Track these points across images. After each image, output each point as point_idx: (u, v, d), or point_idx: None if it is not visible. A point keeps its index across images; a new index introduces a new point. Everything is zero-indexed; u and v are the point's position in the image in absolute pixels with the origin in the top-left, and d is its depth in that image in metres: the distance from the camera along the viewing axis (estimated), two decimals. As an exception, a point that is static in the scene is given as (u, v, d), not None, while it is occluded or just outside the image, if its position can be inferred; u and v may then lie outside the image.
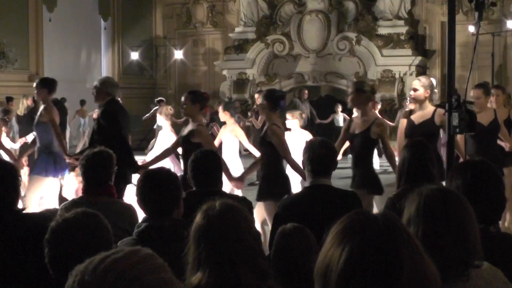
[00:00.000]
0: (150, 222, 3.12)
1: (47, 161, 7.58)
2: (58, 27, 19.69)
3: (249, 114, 16.59)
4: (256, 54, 21.02)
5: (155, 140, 11.17)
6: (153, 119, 14.96)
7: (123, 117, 6.98)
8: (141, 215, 3.42)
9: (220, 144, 8.79)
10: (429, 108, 6.25)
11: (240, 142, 9.10)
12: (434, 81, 6.59)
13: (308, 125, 16.61)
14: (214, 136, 9.13)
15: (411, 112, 6.45)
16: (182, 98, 6.54)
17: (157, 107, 15.26)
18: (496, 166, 2.89)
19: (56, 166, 7.59)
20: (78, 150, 14.30)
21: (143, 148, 16.47)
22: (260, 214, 6.20)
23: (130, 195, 7.65)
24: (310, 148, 4.09)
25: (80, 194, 4.56)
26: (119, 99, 7.86)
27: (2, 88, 16.66)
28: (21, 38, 18.44)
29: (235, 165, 8.41)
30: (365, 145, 6.06)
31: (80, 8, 20.69)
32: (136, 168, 6.58)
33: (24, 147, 9.61)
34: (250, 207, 4.08)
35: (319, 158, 3.99)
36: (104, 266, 1.24)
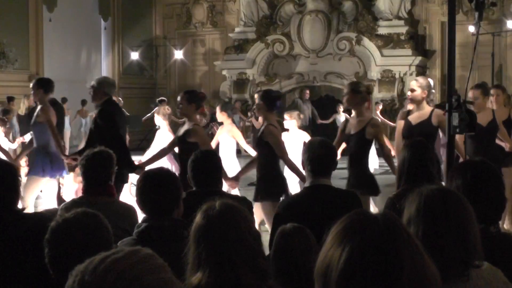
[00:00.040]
0: (150, 222, 3.12)
1: (44, 161, 7.57)
2: (58, 27, 19.68)
3: (249, 114, 16.60)
4: (256, 54, 21.02)
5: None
6: (153, 119, 14.91)
7: (120, 117, 6.99)
8: (141, 215, 3.42)
9: (217, 145, 8.79)
10: (427, 109, 6.26)
11: (237, 143, 9.09)
12: (431, 81, 6.59)
13: (309, 125, 16.66)
14: (214, 136, 9.13)
15: (408, 112, 6.46)
16: (178, 98, 6.56)
17: (157, 107, 15.24)
18: (496, 166, 2.89)
19: (53, 166, 7.58)
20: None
21: (143, 148, 16.43)
22: (257, 215, 6.20)
23: (125, 194, 7.66)
24: (310, 148, 4.08)
25: (79, 194, 4.56)
26: (120, 99, 7.86)
27: (2, 88, 16.66)
28: (21, 38, 18.43)
29: (232, 166, 8.39)
30: (360, 145, 6.06)
31: (80, 8, 20.69)
32: (132, 168, 6.57)
33: (24, 147, 9.61)
34: (250, 207, 4.08)
35: (319, 158, 3.98)
36: (104, 266, 1.24)
